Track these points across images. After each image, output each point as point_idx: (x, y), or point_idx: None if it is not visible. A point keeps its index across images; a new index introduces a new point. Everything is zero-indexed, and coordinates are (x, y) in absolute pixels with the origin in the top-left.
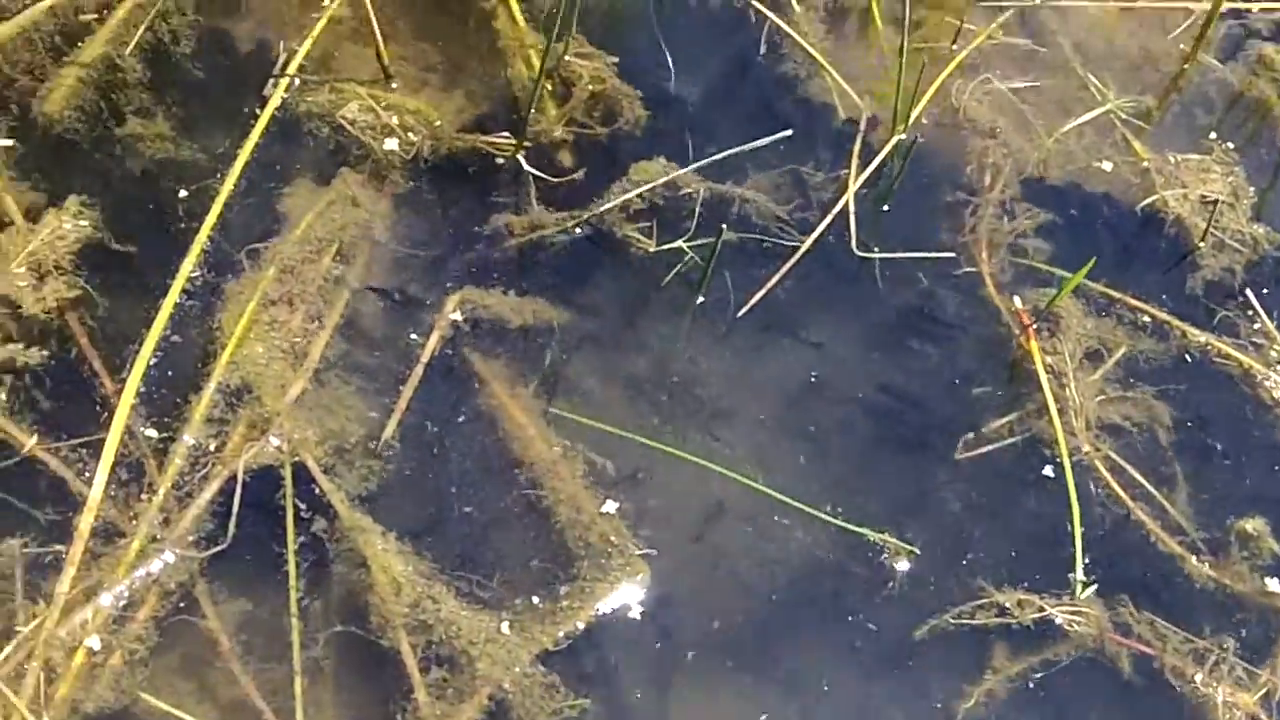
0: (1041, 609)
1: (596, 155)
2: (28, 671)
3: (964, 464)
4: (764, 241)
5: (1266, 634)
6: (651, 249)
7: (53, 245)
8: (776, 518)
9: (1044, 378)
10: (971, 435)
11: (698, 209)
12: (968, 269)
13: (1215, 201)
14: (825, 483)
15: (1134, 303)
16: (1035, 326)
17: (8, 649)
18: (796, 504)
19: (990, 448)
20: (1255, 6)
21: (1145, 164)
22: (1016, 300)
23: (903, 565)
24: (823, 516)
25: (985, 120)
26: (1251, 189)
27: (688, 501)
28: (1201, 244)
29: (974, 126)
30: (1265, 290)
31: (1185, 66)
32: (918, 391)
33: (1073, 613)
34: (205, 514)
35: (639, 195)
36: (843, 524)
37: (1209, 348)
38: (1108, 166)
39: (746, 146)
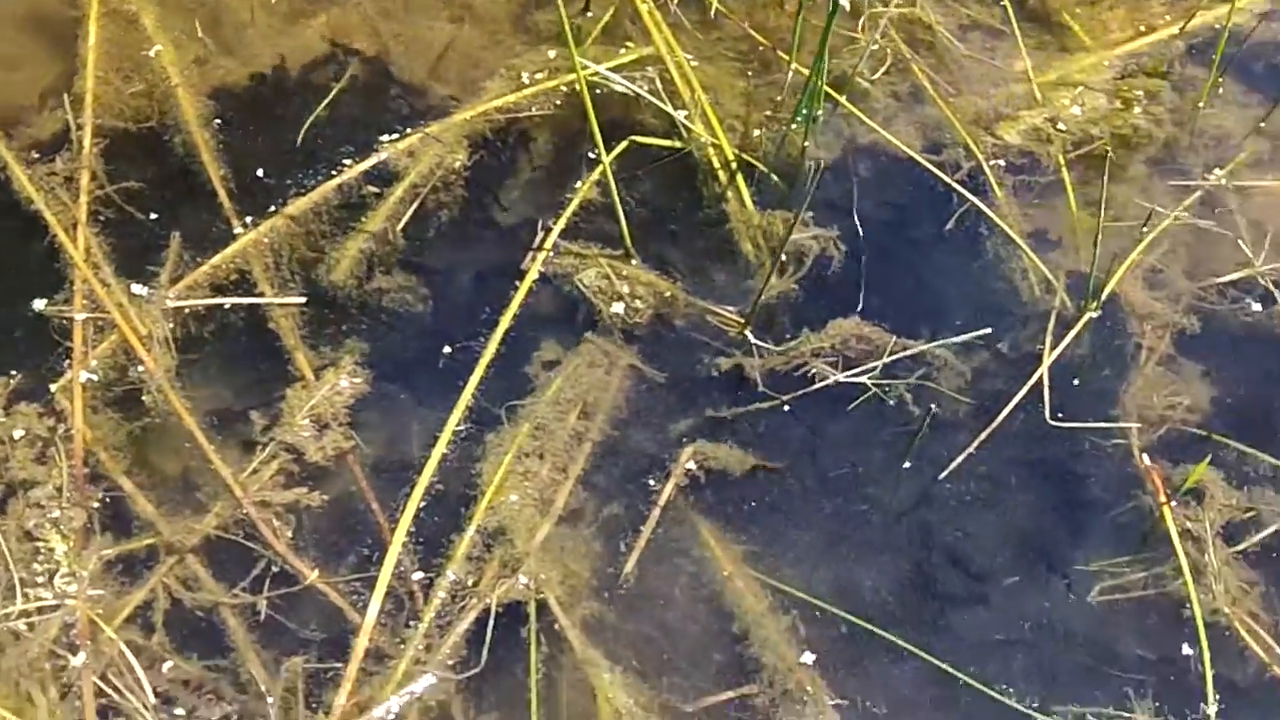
0: None
1: (812, 323)
2: None
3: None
4: (960, 407)
5: None
6: (842, 378)
7: (331, 400)
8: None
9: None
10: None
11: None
12: (1139, 437)
13: None
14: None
15: None
16: (1177, 497)
17: None
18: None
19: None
20: None
21: None
22: (1154, 473)
23: None
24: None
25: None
26: None
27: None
28: None
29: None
30: None
31: None
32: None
33: None
34: (462, 642)
35: (837, 348)
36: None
37: None
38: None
39: (950, 341)
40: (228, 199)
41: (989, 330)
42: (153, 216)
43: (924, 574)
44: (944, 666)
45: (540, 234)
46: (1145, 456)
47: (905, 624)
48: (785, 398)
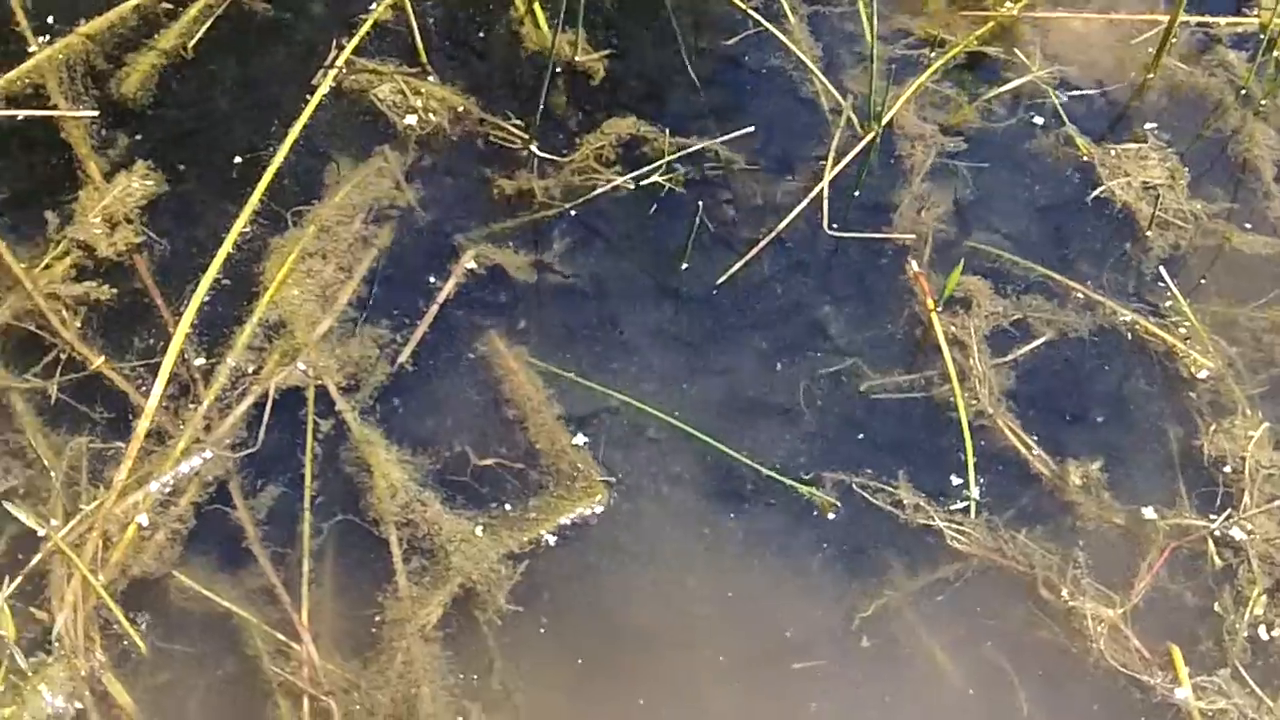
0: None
1: (600, 140)
2: (88, 540)
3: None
4: (744, 217)
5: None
6: (631, 186)
7: (123, 200)
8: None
9: (944, 345)
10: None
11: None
12: (916, 250)
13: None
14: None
15: (1065, 280)
16: (944, 304)
17: (73, 521)
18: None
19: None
20: (1222, 20)
21: (1086, 157)
22: (921, 279)
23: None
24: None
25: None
26: (1187, 170)
27: (640, 438)
28: (1150, 231)
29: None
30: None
31: (1149, 75)
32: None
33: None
34: (240, 423)
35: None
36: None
37: (1135, 324)
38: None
39: (716, 141)
40: (24, 17)
41: (752, 128)
42: None
43: (701, 367)
44: (721, 446)
45: (334, 51)
46: (914, 264)
47: (677, 411)
48: (569, 205)
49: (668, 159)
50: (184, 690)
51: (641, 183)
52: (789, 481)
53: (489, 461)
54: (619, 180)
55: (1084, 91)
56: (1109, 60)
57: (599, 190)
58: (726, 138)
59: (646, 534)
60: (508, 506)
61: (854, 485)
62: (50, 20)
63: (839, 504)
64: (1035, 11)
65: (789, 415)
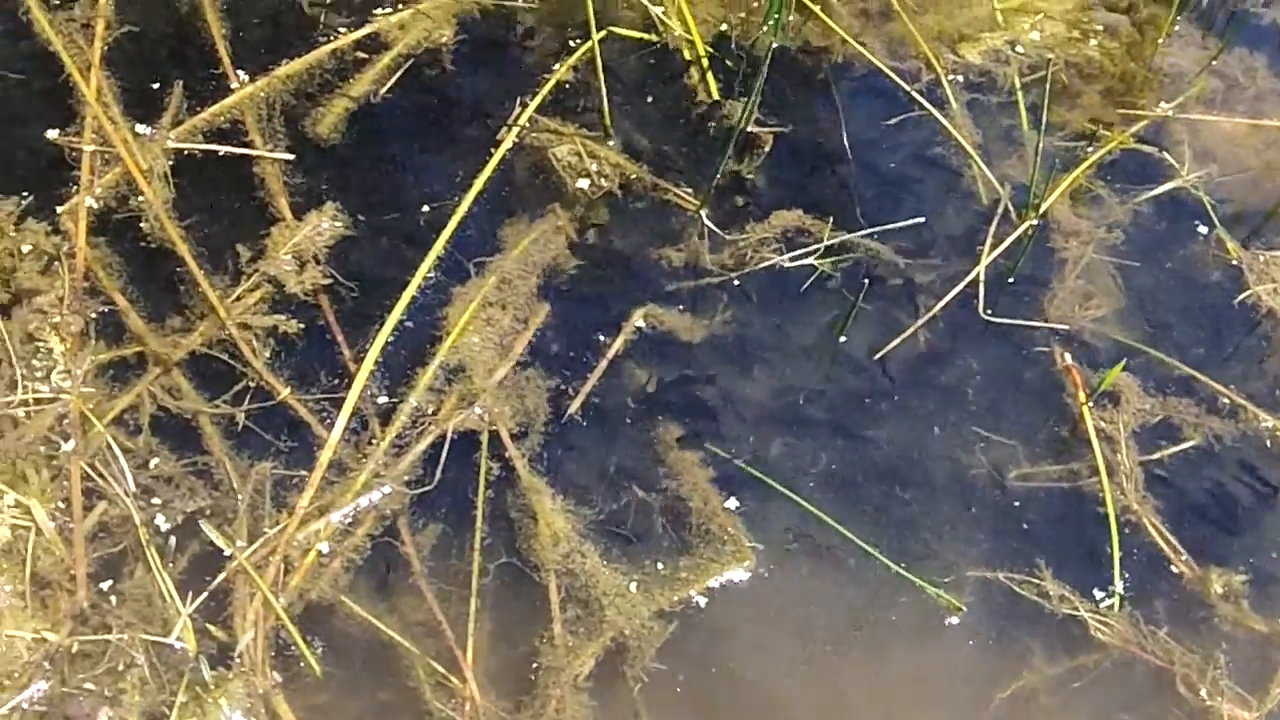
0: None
1: (767, 205)
2: (270, 563)
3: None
4: (899, 296)
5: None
6: (787, 263)
7: (312, 239)
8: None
9: (1095, 439)
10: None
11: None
12: (1068, 341)
13: None
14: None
15: (1211, 383)
16: (1094, 398)
17: (257, 544)
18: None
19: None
20: None
21: (1235, 260)
22: (1074, 372)
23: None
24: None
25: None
26: None
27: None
28: None
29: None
30: None
31: None
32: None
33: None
34: (418, 462)
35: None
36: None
37: (1277, 431)
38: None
39: (882, 228)
40: (228, 56)
41: (922, 219)
42: (159, 66)
43: (850, 441)
44: (866, 546)
45: (518, 108)
46: (1066, 356)
47: (823, 489)
48: (734, 275)
49: (827, 243)
50: (344, 714)
51: (808, 260)
52: (919, 581)
53: (647, 496)
54: (782, 261)
55: (1233, 194)
56: (1257, 163)
57: (762, 265)
58: (891, 226)
59: (791, 603)
60: (660, 565)
61: (1000, 575)
62: (251, 60)
63: (964, 607)
64: (1188, 112)
65: (935, 495)
